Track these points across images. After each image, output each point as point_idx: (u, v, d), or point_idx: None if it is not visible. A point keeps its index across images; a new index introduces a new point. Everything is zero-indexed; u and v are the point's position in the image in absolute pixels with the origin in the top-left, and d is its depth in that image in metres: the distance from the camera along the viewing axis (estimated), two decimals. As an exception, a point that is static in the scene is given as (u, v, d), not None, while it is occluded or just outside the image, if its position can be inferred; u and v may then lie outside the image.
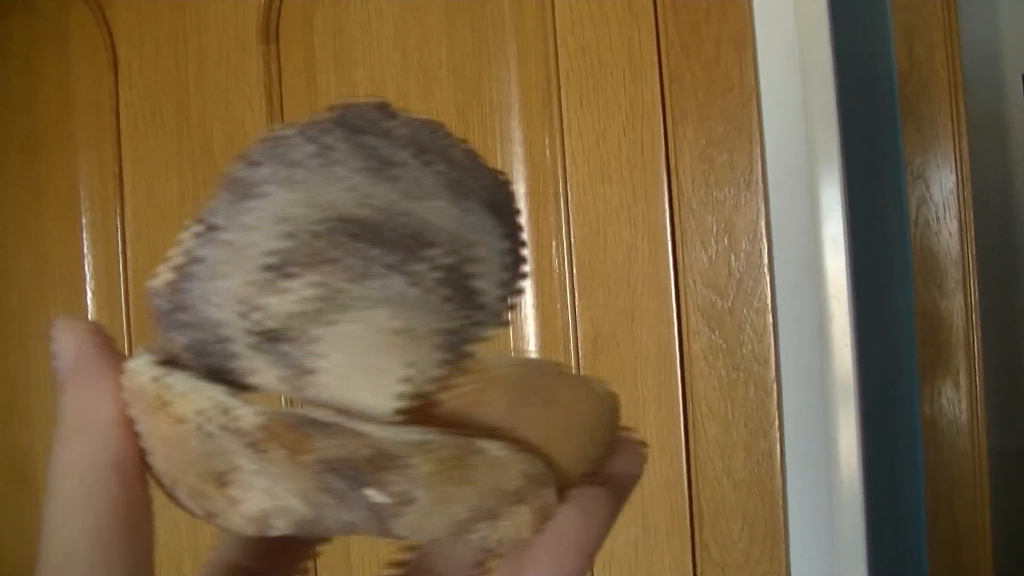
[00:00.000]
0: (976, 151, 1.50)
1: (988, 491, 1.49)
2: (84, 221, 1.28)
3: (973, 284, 1.47)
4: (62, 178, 1.29)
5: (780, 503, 1.00)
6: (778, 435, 1.00)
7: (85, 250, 1.28)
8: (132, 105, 1.25)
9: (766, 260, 1.00)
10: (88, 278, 1.28)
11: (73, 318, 0.31)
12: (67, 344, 0.30)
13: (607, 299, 1.05)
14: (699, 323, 1.02)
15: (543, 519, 0.30)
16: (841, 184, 0.98)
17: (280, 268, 0.28)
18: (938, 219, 1.47)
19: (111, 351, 0.30)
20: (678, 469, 1.03)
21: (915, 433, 1.47)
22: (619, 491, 0.31)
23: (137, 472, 0.29)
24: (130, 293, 1.25)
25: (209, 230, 0.29)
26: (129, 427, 0.29)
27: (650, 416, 1.03)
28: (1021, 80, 1.93)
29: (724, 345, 1.01)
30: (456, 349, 0.30)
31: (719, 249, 1.01)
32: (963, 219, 1.47)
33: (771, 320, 1.00)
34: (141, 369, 0.29)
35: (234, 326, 0.28)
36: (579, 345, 1.05)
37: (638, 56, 1.04)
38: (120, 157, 1.25)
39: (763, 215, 1.00)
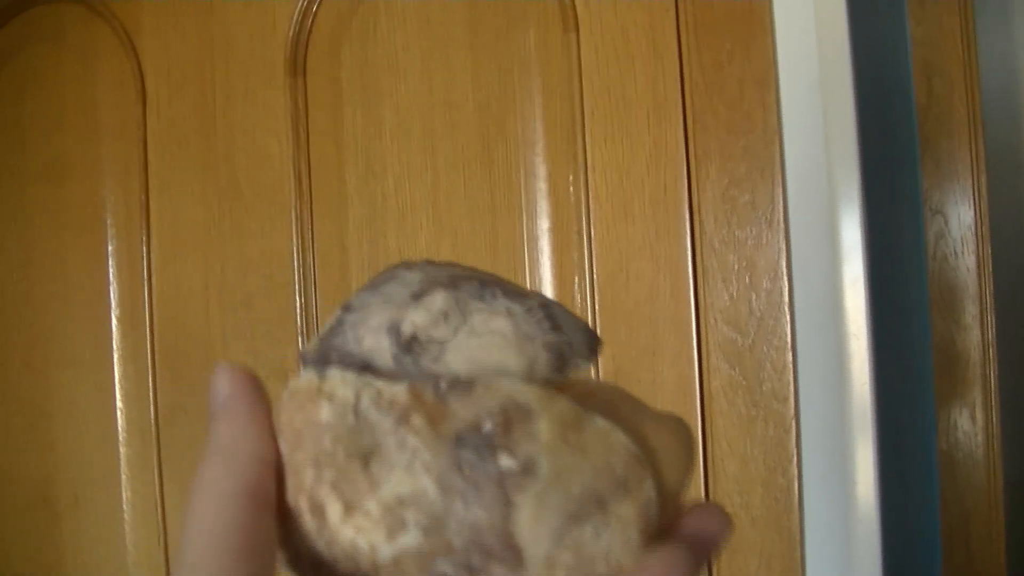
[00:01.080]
0: (994, 186, 1.50)
1: (1003, 524, 1.49)
2: (110, 249, 1.29)
3: (990, 319, 1.47)
4: (88, 206, 1.30)
5: (797, 539, 1.00)
6: (796, 472, 1.00)
7: (111, 277, 1.29)
8: (159, 135, 1.26)
9: (786, 299, 1.00)
10: (113, 306, 1.29)
11: (234, 364, 0.35)
12: (225, 382, 0.34)
13: (629, 335, 1.06)
14: (719, 360, 1.03)
15: (645, 519, 0.33)
16: (861, 225, 0.99)
17: (422, 292, 0.34)
18: (956, 254, 1.47)
19: (263, 397, 0.35)
20: (697, 505, 1.03)
21: (931, 468, 1.47)
22: (700, 551, 0.34)
23: (268, 506, 0.32)
24: (155, 321, 1.26)
25: (348, 306, 0.36)
26: (269, 466, 0.33)
27: (670, 452, 1.03)
28: (1039, 115, 1.93)
29: (744, 382, 1.02)
30: (561, 360, 0.34)
31: (740, 287, 1.02)
32: (981, 254, 1.47)
33: (791, 358, 1.00)
34: (302, 374, 0.34)
35: (379, 349, 0.33)
36: (600, 380, 1.06)
37: (662, 95, 1.05)
38: (147, 186, 1.26)
39: (784, 254, 1.00)
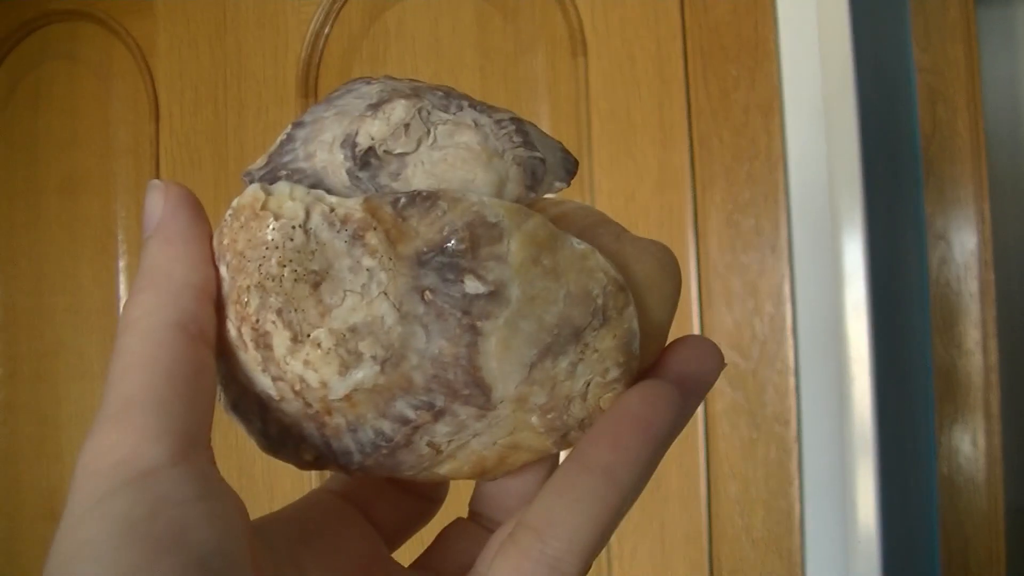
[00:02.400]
0: (998, 212, 1.51)
1: (1003, 550, 1.50)
2: (121, 264, 1.30)
3: (993, 344, 1.48)
4: (100, 221, 1.32)
5: (798, 561, 1.01)
6: (797, 494, 1.01)
7: (120, 292, 1.30)
8: (171, 152, 1.27)
9: (790, 323, 1.01)
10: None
11: (169, 181, 0.31)
12: (158, 203, 0.30)
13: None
14: (722, 383, 1.04)
15: (627, 353, 0.30)
16: (864, 250, 1.00)
17: (380, 103, 0.31)
18: (959, 279, 1.48)
19: (202, 218, 0.31)
20: (698, 525, 1.04)
21: (931, 493, 1.48)
22: (689, 390, 0.31)
23: (204, 337, 0.29)
24: (164, 336, 1.27)
25: (300, 122, 0.32)
26: (204, 294, 0.29)
27: (672, 472, 1.04)
28: (1043, 142, 1.94)
29: (746, 405, 1.03)
30: (533, 179, 0.31)
31: (743, 311, 1.03)
32: (984, 279, 1.48)
33: (793, 382, 1.01)
34: (246, 190, 0.30)
35: (332, 164, 0.30)
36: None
37: (668, 120, 1.06)
38: (158, 203, 1.27)
39: (787, 279, 1.01)
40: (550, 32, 1.11)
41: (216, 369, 0.30)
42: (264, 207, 0.29)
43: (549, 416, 0.31)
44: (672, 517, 1.05)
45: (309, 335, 0.29)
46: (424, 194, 0.28)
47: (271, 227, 0.29)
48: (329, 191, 0.30)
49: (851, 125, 1.01)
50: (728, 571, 1.03)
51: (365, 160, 0.30)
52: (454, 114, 0.31)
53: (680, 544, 1.04)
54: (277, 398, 0.31)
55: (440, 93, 0.31)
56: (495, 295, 0.28)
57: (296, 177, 0.30)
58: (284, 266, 0.29)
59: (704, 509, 1.04)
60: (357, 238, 0.28)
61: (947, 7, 1.45)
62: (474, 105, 0.31)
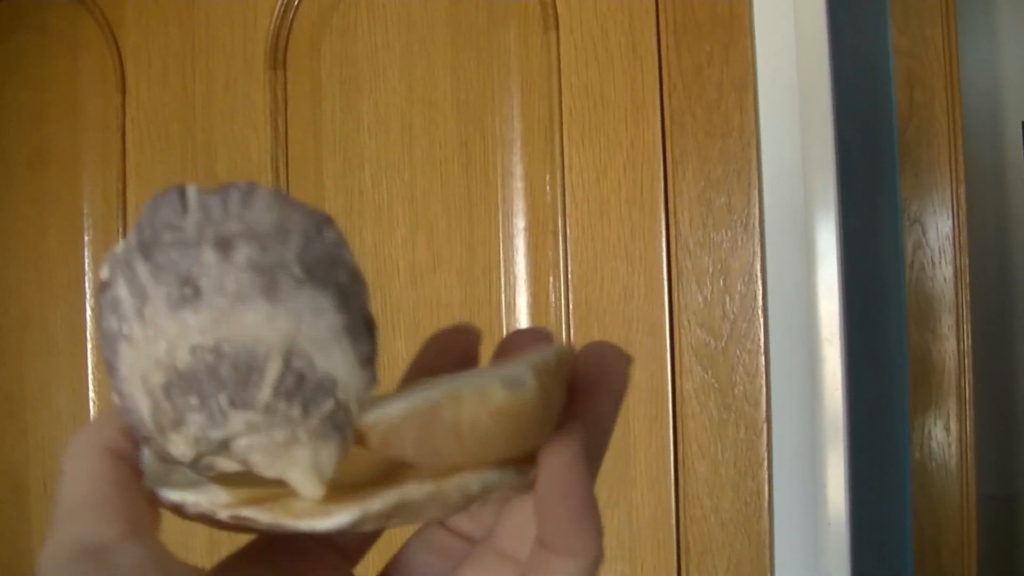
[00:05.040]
0: (973, 197, 1.51)
1: (975, 535, 1.50)
2: (87, 239, 1.29)
3: (966, 329, 1.47)
4: (67, 195, 1.30)
5: (767, 543, 1.00)
6: (767, 475, 1.00)
7: (86, 267, 1.29)
8: (138, 125, 1.26)
9: (760, 302, 1.00)
10: (88, 295, 1.28)
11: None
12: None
13: (602, 335, 1.06)
14: (692, 362, 1.03)
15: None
16: (836, 229, 0.99)
17: (159, 431, 0.31)
18: (933, 264, 1.47)
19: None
20: (666, 506, 1.03)
21: (904, 476, 1.48)
22: (600, 412, 0.35)
23: (129, 459, 0.33)
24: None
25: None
26: (124, 434, 0.33)
27: (640, 453, 1.03)
28: (1021, 128, 1.94)
29: (716, 385, 1.02)
30: (345, 428, 0.30)
31: (714, 290, 1.02)
32: (958, 265, 1.47)
33: (763, 362, 1.01)
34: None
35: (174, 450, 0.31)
36: (573, 380, 1.06)
37: (640, 96, 1.05)
38: (125, 177, 1.26)
39: (759, 257, 1.01)
40: (522, 6, 1.10)
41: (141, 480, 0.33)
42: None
43: None
44: (640, 498, 1.04)
45: None
46: (265, 525, 0.31)
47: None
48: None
49: (826, 104, 1.00)
50: (696, 553, 1.03)
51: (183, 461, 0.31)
52: (231, 427, 0.30)
53: (648, 525, 1.04)
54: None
55: (206, 410, 0.30)
56: None
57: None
58: None
59: (672, 490, 1.03)
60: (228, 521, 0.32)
61: (925, -11, 1.45)
62: (247, 398, 0.29)
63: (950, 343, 1.47)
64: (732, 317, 1.01)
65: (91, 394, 1.28)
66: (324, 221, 0.29)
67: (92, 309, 1.28)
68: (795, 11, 1.01)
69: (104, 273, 0.30)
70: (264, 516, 0.31)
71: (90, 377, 1.28)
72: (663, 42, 1.05)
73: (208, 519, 0.32)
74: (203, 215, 0.28)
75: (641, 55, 1.05)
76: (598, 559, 0.32)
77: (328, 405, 0.30)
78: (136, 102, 1.26)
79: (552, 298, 1.08)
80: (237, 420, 0.29)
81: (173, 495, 0.32)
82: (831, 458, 0.99)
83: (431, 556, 0.38)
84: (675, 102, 1.04)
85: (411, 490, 0.31)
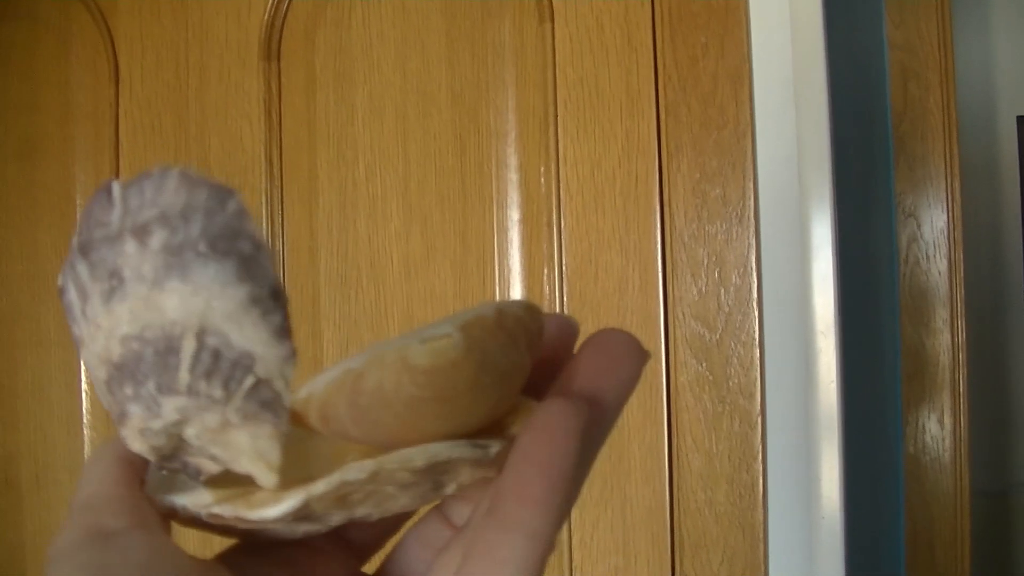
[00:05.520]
0: (968, 192, 1.51)
1: (968, 530, 1.50)
2: (79, 229, 1.28)
3: (961, 323, 1.48)
4: (59, 185, 1.29)
5: (761, 536, 1.00)
6: (761, 468, 1.00)
7: (79, 258, 1.28)
8: (131, 115, 1.25)
9: (755, 295, 1.00)
10: (80, 286, 1.28)
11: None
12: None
13: (596, 328, 1.05)
14: (687, 355, 1.03)
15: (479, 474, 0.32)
16: (832, 222, 0.99)
17: (119, 428, 0.32)
18: (928, 258, 1.48)
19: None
20: (661, 499, 1.03)
21: (898, 470, 1.48)
22: (602, 405, 0.32)
23: (140, 466, 0.35)
24: (122, 303, 1.25)
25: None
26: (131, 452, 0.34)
27: (634, 445, 1.03)
28: (1015, 123, 1.94)
29: (711, 377, 1.02)
30: (274, 406, 0.30)
31: (709, 282, 1.02)
32: (953, 258, 1.48)
33: (758, 354, 1.00)
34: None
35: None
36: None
37: (635, 88, 1.05)
38: (118, 167, 1.25)
39: (754, 250, 1.00)
40: (517, -3, 1.09)
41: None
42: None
43: None
44: (634, 490, 1.04)
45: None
46: (238, 520, 0.32)
47: None
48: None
49: (821, 97, 1.00)
50: (691, 546, 1.03)
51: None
52: (166, 416, 0.30)
53: (642, 518, 1.04)
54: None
55: (140, 400, 0.30)
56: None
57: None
58: None
59: (666, 483, 1.03)
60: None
61: (921, -17, 1.45)
62: (169, 383, 0.29)
63: (944, 337, 1.48)
64: (727, 310, 1.01)
65: (83, 386, 1.27)
66: (226, 194, 0.28)
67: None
68: (790, 3, 1.01)
69: (59, 280, 0.31)
70: (227, 510, 0.31)
71: (82, 369, 1.27)
72: (658, 34, 1.04)
73: (197, 522, 0.33)
74: (124, 207, 0.29)
75: (636, 47, 1.05)
76: (547, 549, 0.28)
77: (249, 381, 0.29)
78: (129, 92, 1.26)
79: (546, 290, 1.07)
80: (168, 406, 0.30)
81: (166, 500, 0.33)
82: (825, 451, 0.99)
83: (424, 550, 0.37)
84: (670, 94, 1.04)
85: (351, 469, 0.30)
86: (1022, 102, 1.94)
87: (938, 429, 1.48)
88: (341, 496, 0.30)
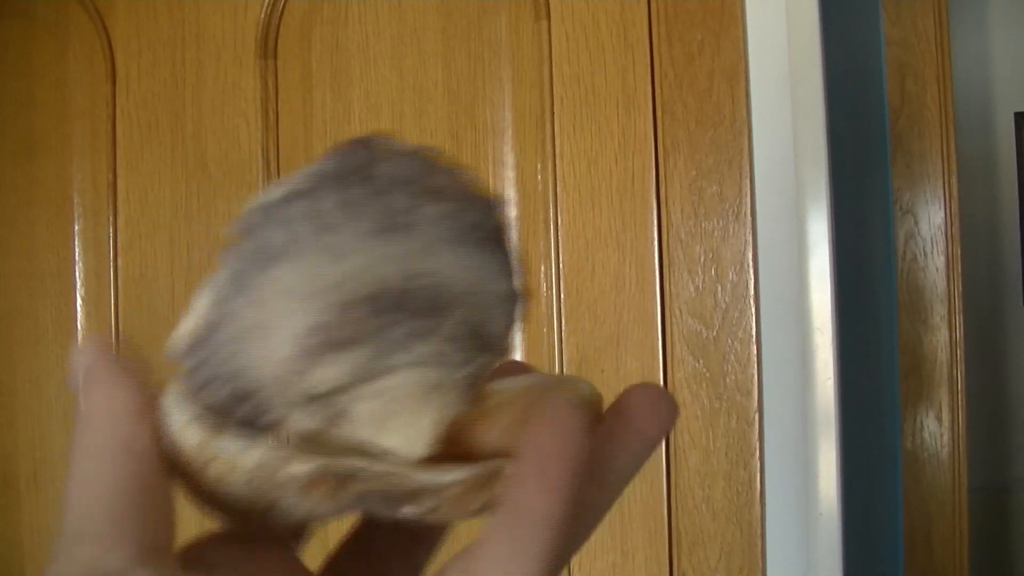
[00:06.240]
0: (965, 188, 1.51)
1: (966, 526, 1.50)
2: (76, 228, 1.28)
3: (958, 320, 1.48)
4: (56, 184, 1.29)
5: (758, 533, 1.00)
6: (758, 465, 1.00)
7: (76, 257, 1.28)
8: (128, 114, 1.25)
9: (752, 291, 1.00)
10: (78, 285, 1.28)
11: (89, 341, 0.33)
12: (83, 357, 0.32)
13: (593, 325, 1.05)
14: (683, 351, 1.03)
15: None
16: (828, 218, 0.99)
17: (318, 349, 0.30)
18: (925, 254, 1.48)
19: (122, 360, 0.32)
20: (658, 496, 1.03)
21: (895, 466, 1.48)
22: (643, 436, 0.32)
23: (148, 456, 0.30)
24: (120, 302, 1.25)
25: (225, 299, 0.31)
26: (142, 419, 0.31)
27: (632, 442, 1.03)
28: (1013, 119, 1.94)
29: (707, 374, 1.02)
30: (475, 387, 0.32)
31: (706, 279, 1.02)
32: (950, 255, 1.48)
33: (755, 351, 1.00)
34: (185, 430, 0.31)
35: (271, 388, 0.30)
36: (564, 369, 1.06)
37: (632, 86, 1.05)
38: (115, 165, 1.25)
39: (750, 247, 1.00)
40: (513, -6, 1.09)
41: (164, 479, 0.31)
42: (212, 460, 0.31)
43: None
44: (631, 487, 1.03)
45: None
46: (364, 472, 0.29)
47: (224, 480, 0.31)
48: (264, 413, 0.30)
49: (817, 94, 1.00)
50: (688, 542, 1.03)
51: (310, 398, 0.30)
52: (399, 357, 0.30)
53: (639, 515, 1.04)
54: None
55: (385, 334, 0.30)
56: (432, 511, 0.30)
57: (226, 392, 0.31)
58: (234, 503, 0.31)
59: (664, 479, 1.03)
60: (305, 490, 0.29)
61: (917, -20, 1.45)
62: (426, 331, 0.30)
63: (942, 333, 1.48)
64: (723, 306, 1.01)
65: (81, 384, 1.27)
66: (498, 200, 0.32)
67: (83, 299, 1.28)
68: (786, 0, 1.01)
69: (277, 191, 0.30)
70: (379, 467, 0.30)
71: (80, 367, 1.27)
72: (654, 31, 1.04)
73: (267, 473, 0.31)
74: (398, 167, 0.30)
75: (632, 44, 1.05)
76: (562, 541, 0.28)
77: (482, 361, 0.31)
78: (126, 91, 1.26)
79: (543, 287, 1.07)
80: (405, 350, 0.30)
81: (230, 444, 0.31)
82: (823, 448, 0.99)
83: (383, 547, 0.36)
84: (666, 91, 1.04)
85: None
86: (1019, 98, 1.94)
87: (936, 425, 1.48)
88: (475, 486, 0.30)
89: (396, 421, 0.30)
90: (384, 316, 0.30)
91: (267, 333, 0.30)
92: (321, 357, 0.30)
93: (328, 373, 0.30)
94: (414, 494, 0.29)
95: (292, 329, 0.29)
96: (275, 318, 0.30)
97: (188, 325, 0.32)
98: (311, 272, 0.29)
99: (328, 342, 0.30)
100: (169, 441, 0.31)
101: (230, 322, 0.30)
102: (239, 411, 0.30)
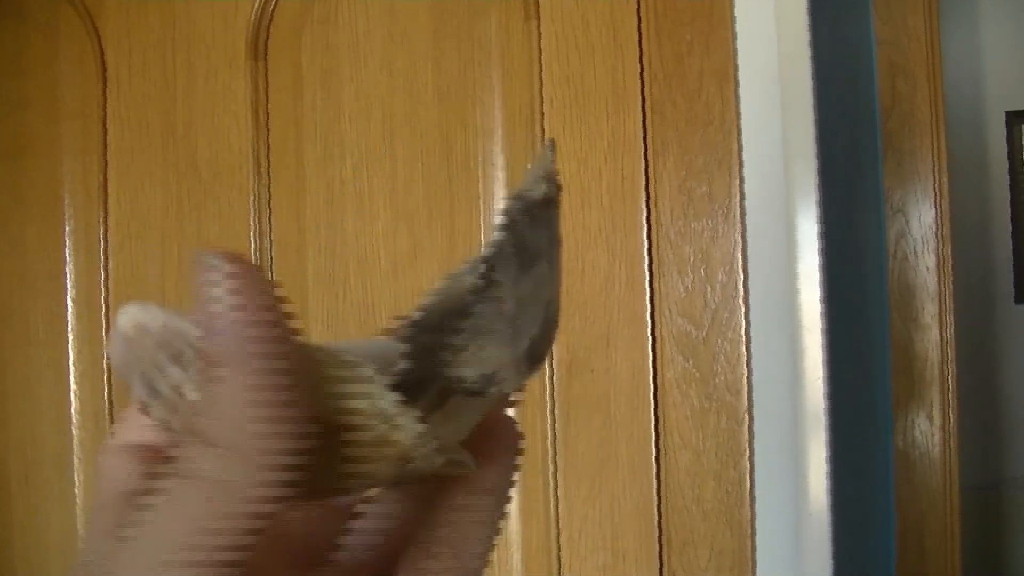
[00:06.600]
0: (956, 187, 1.51)
1: (958, 525, 1.50)
2: (67, 229, 1.28)
3: (949, 319, 1.48)
4: (47, 185, 1.29)
5: (749, 533, 1.00)
6: (748, 465, 1.01)
7: (67, 258, 1.28)
8: (119, 115, 1.25)
9: (742, 291, 1.00)
10: (69, 286, 1.28)
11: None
12: (221, 265, 0.28)
13: (583, 325, 1.05)
14: (673, 352, 1.03)
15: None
16: (817, 218, 0.99)
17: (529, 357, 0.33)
18: (916, 253, 1.48)
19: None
20: (648, 496, 1.03)
21: (886, 466, 1.48)
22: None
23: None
24: (111, 302, 1.25)
25: (482, 299, 0.33)
26: (288, 329, 0.29)
27: (622, 442, 1.04)
28: (1004, 118, 1.94)
29: (697, 374, 1.02)
30: (510, 389, 0.34)
31: (695, 279, 1.02)
32: (941, 254, 1.48)
33: (745, 351, 1.01)
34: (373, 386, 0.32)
35: (467, 378, 0.33)
36: (554, 369, 1.06)
37: (621, 86, 1.05)
38: (105, 166, 1.25)
39: (740, 247, 1.01)
40: (503, -5, 1.10)
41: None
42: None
43: None
44: (622, 488, 1.04)
45: None
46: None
47: None
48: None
49: (806, 93, 1.00)
50: (678, 543, 1.03)
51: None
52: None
53: (629, 515, 1.04)
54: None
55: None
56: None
57: (432, 368, 0.34)
58: None
59: (654, 480, 1.03)
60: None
61: (908, -21, 1.45)
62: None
63: (933, 332, 1.48)
64: (713, 307, 1.01)
65: (72, 385, 1.27)
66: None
67: (74, 300, 1.28)
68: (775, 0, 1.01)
69: (538, 188, 0.32)
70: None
71: (71, 368, 1.27)
72: (644, 31, 1.05)
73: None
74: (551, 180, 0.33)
75: (622, 44, 1.05)
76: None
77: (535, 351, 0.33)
78: (117, 92, 1.26)
79: (533, 288, 1.07)
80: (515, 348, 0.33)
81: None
82: (813, 447, 0.99)
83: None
84: (656, 91, 1.04)
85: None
86: (1010, 97, 1.94)
87: (927, 424, 1.48)
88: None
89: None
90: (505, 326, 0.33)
91: (516, 327, 0.33)
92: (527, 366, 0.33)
93: (495, 355, 0.33)
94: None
95: (531, 332, 0.33)
96: (524, 317, 0.33)
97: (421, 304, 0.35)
98: (552, 279, 0.33)
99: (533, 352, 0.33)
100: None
101: (470, 317, 0.34)
102: (467, 380, 0.33)
